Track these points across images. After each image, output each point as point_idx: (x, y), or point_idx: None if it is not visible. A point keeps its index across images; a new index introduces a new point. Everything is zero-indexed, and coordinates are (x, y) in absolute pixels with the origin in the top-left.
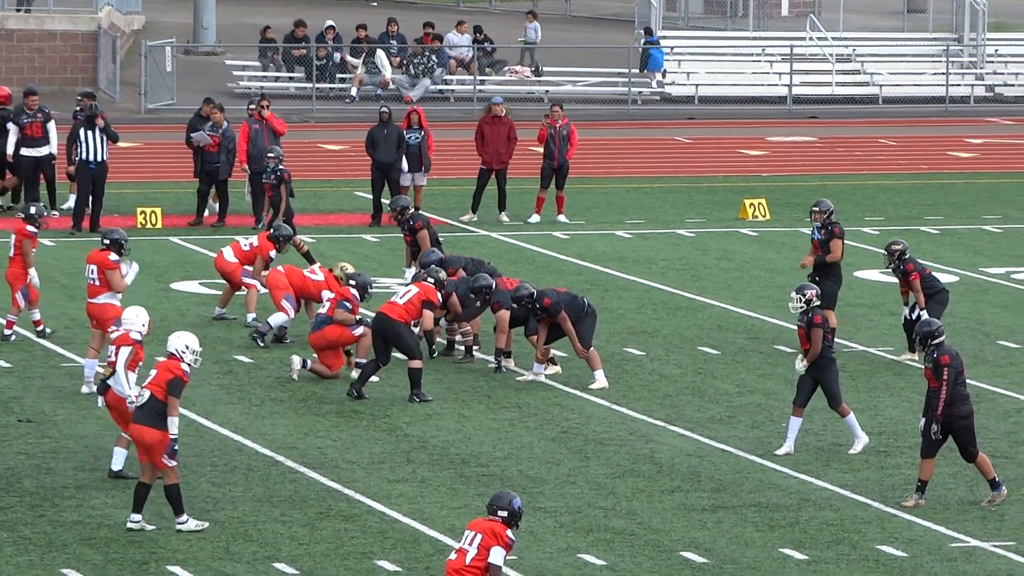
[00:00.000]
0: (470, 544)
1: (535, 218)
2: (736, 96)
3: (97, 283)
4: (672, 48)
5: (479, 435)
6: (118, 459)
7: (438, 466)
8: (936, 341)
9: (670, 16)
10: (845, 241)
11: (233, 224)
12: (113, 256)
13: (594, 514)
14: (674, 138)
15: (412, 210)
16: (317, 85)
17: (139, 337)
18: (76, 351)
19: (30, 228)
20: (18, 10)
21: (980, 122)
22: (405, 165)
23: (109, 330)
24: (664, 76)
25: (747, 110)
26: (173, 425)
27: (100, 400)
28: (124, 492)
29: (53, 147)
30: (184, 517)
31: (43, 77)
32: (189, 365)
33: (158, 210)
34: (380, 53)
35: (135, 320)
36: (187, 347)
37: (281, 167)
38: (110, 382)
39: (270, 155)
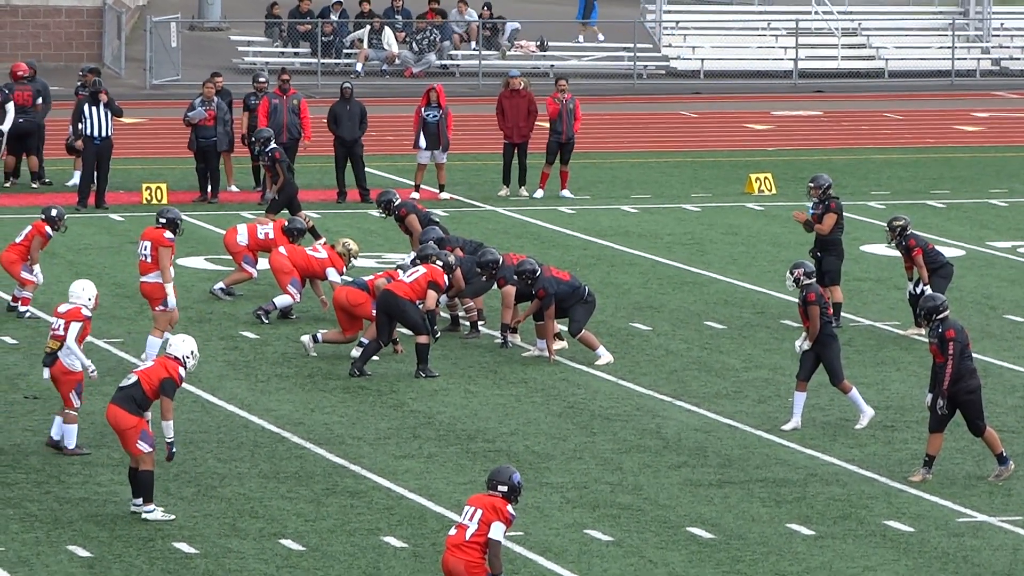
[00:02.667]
0: (470, 519)
1: (539, 193)
2: (741, 70)
3: (149, 260)
4: (677, 22)
5: (485, 411)
6: (56, 428)
7: (444, 442)
8: (940, 316)
9: None
10: (849, 215)
11: (234, 200)
12: (168, 235)
13: (600, 489)
14: (680, 113)
15: (396, 200)
16: (323, 60)
17: (88, 313)
18: None
19: (47, 229)
20: None
21: (986, 96)
22: (423, 143)
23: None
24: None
25: (752, 84)
26: (169, 430)
27: (46, 372)
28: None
29: (6, 125)
30: (152, 507)
31: (48, 53)
32: (186, 370)
33: (163, 186)
34: (387, 30)
35: (82, 294)
36: (192, 353)
37: (271, 147)
38: (60, 355)
39: (254, 139)
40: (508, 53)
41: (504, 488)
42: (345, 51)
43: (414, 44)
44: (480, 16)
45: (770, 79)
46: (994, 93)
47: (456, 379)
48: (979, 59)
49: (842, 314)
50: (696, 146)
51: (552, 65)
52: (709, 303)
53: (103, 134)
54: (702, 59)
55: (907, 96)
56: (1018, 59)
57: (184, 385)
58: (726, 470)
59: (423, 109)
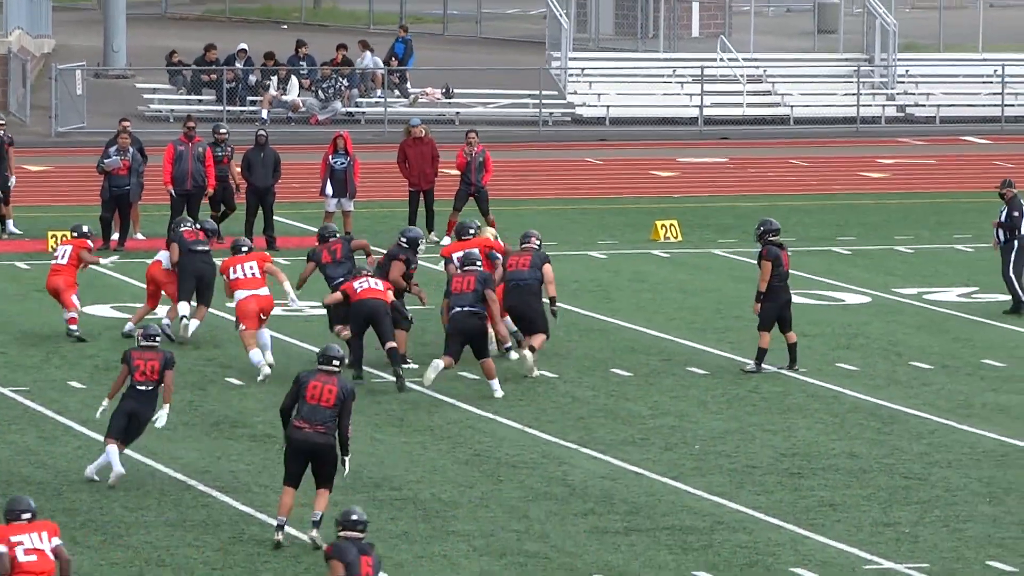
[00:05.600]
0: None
1: (446, 240)
2: (647, 117)
3: (259, 276)
4: (583, 69)
5: (391, 458)
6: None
7: (351, 489)
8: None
9: (580, 37)
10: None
11: (141, 247)
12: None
13: (507, 537)
14: (585, 159)
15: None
16: (228, 108)
17: None
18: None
19: (89, 243)
20: None
21: (891, 142)
22: (330, 190)
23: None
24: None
25: (658, 131)
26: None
27: None
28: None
29: None
30: None
31: None
32: None
33: (69, 234)
34: (292, 79)
35: None
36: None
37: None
38: None
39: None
40: (416, 100)
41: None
42: (250, 98)
43: (319, 92)
44: (386, 64)
45: (676, 126)
46: (899, 140)
47: (362, 427)
48: (884, 106)
49: (750, 361)
50: (602, 193)
51: (458, 112)
52: (615, 350)
53: None
54: (607, 106)
55: (813, 143)
56: (923, 106)
57: (89, 433)
58: (633, 517)
59: (330, 156)
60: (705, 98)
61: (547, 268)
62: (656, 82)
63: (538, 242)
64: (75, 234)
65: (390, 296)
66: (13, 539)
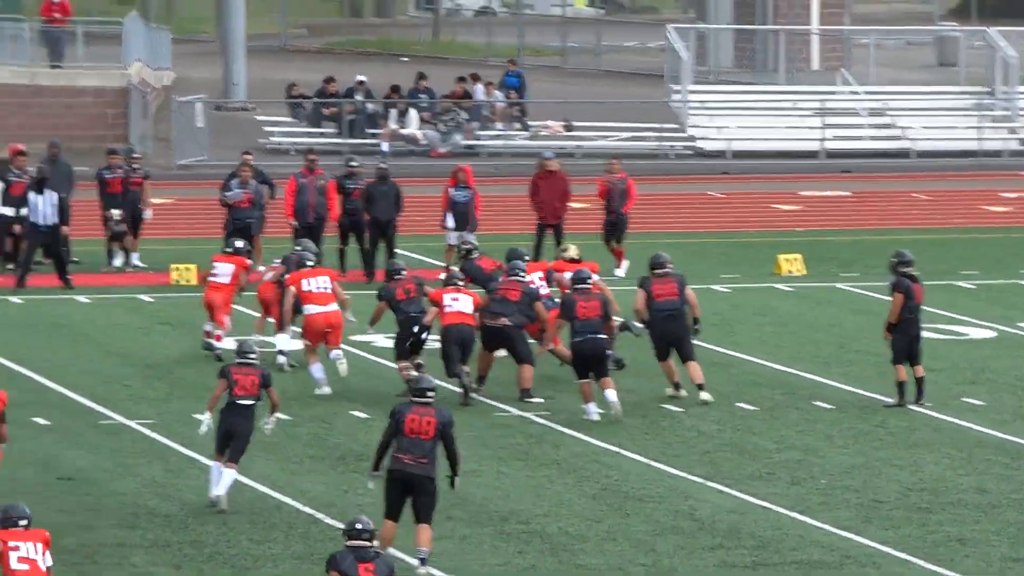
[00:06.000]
0: None
1: (622, 269)
2: (768, 150)
3: (329, 291)
4: (703, 102)
5: (518, 492)
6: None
7: (477, 523)
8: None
9: (700, 70)
10: (880, 296)
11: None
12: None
13: (635, 571)
14: (707, 193)
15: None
16: (348, 140)
17: None
18: (114, 409)
19: (248, 261)
20: (51, 67)
21: (1013, 176)
22: (451, 223)
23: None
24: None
25: (780, 164)
26: None
27: None
28: (164, 551)
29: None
30: None
31: (74, 134)
32: None
33: (192, 267)
34: (411, 111)
35: None
36: None
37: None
38: None
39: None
40: (538, 134)
41: None
42: (369, 131)
43: (440, 124)
44: (507, 97)
45: (797, 159)
46: (1021, 173)
47: (488, 460)
48: (1006, 139)
49: (875, 395)
50: (724, 227)
51: (578, 145)
52: (740, 384)
53: (48, 222)
54: (729, 139)
55: (934, 176)
56: None
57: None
58: (760, 552)
59: (451, 189)
60: (826, 131)
61: (690, 292)
62: (777, 115)
63: (671, 264)
64: (230, 250)
65: (476, 318)
66: (10, 543)
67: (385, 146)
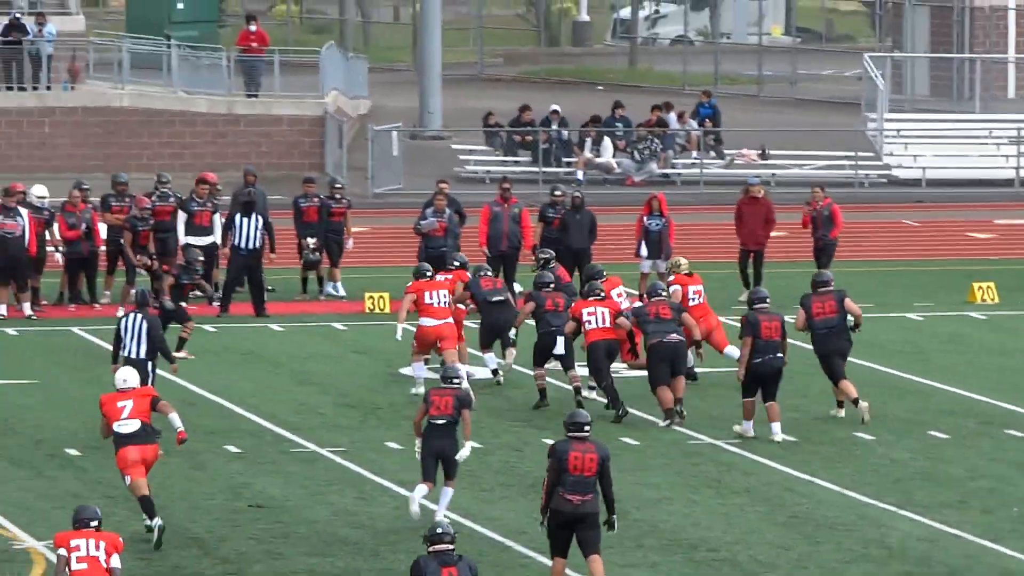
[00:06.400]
0: None
1: None
2: (963, 179)
3: (447, 306)
4: (899, 131)
5: (708, 519)
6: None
7: (668, 551)
8: None
9: (896, 98)
10: None
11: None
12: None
13: None
14: (901, 221)
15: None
16: (543, 169)
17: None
18: (306, 437)
19: (468, 272)
20: (248, 96)
21: None
22: (644, 251)
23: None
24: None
25: (974, 193)
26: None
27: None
28: None
29: (217, 236)
30: None
31: (270, 162)
32: None
33: (386, 295)
34: (606, 140)
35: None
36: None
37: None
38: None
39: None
40: (733, 162)
41: None
42: (564, 159)
43: (635, 153)
44: (701, 125)
45: (992, 187)
46: None
47: (679, 488)
48: None
49: None
50: (918, 255)
51: (773, 173)
52: (932, 412)
53: (251, 246)
54: (924, 168)
55: None
56: None
57: (407, 493)
58: None
59: (645, 218)
60: (1021, 159)
61: (849, 302)
62: (972, 143)
63: (832, 281)
64: (457, 266)
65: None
66: (72, 543)
67: (580, 174)
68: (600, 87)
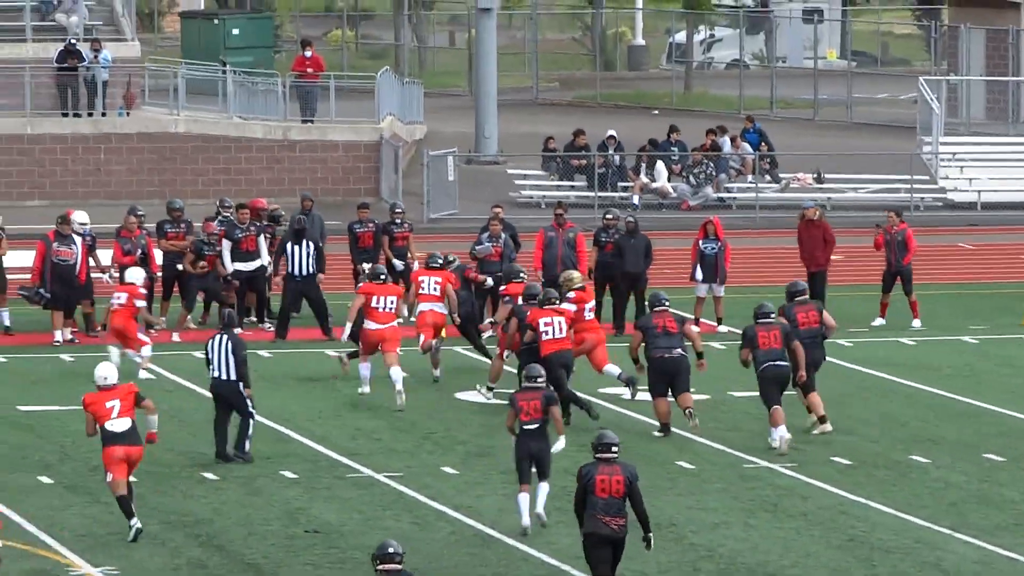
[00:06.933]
0: None
1: (879, 321)
2: (1019, 201)
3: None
4: (954, 154)
5: (766, 544)
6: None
7: (725, 575)
8: None
9: (951, 122)
10: None
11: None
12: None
13: None
14: (957, 244)
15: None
16: (599, 193)
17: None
18: (362, 462)
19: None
20: (303, 121)
21: None
22: (700, 275)
23: None
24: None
25: None
26: None
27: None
28: None
29: (264, 260)
30: None
31: (325, 187)
32: None
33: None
34: (659, 164)
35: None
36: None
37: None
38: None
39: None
40: (788, 186)
41: None
42: (620, 184)
43: (691, 177)
44: (756, 150)
45: None
46: None
47: (736, 512)
48: None
49: None
50: (973, 278)
51: (829, 197)
52: (987, 435)
53: (304, 272)
54: (979, 191)
55: None
56: None
57: (463, 518)
58: None
59: (700, 242)
60: None
61: (827, 315)
62: None
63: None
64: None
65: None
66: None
67: (636, 199)
68: (655, 111)
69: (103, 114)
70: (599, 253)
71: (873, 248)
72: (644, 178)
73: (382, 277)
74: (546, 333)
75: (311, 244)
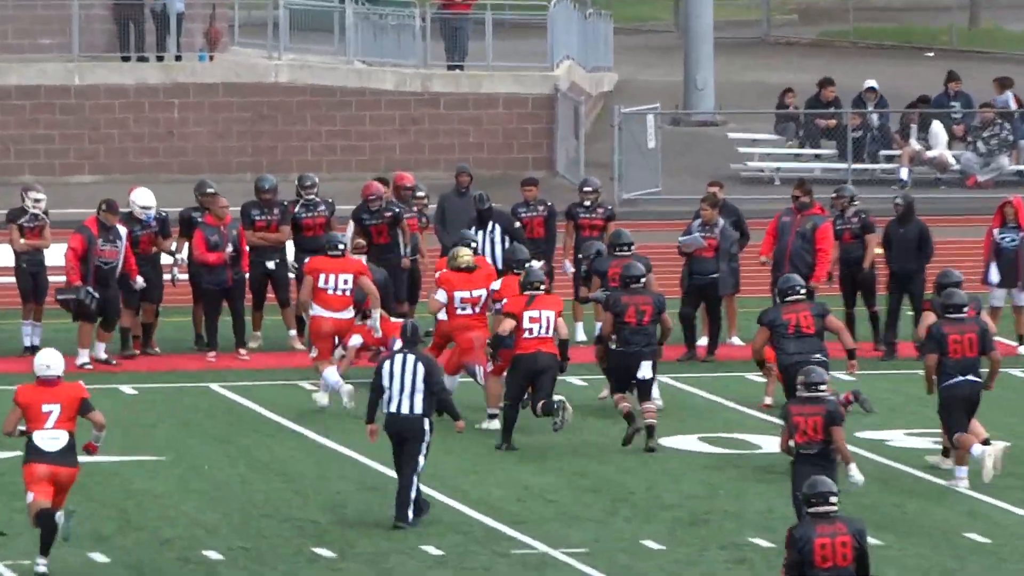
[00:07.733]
0: None
1: None
2: None
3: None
4: None
5: None
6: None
7: None
8: None
9: None
10: None
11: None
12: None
13: None
14: None
15: None
16: (853, 166)
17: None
18: (532, 533)
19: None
20: (449, 68)
21: None
22: (995, 276)
23: None
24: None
25: None
26: None
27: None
28: None
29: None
30: None
31: (480, 157)
32: None
33: None
34: (935, 124)
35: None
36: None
37: None
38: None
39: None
40: None
41: None
42: (883, 153)
43: (979, 144)
44: None
45: None
46: None
47: None
48: None
49: None
50: None
51: None
52: None
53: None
54: None
55: None
56: None
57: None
58: None
59: (996, 231)
60: None
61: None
62: None
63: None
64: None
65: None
66: None
67: (904, 173)
68: (930, 54)
69: (177, 58)
70: (842, 246)
71: None
72: (915, 144)
73: (339, 248)
74: (529, 331)
75: (500, 232)
